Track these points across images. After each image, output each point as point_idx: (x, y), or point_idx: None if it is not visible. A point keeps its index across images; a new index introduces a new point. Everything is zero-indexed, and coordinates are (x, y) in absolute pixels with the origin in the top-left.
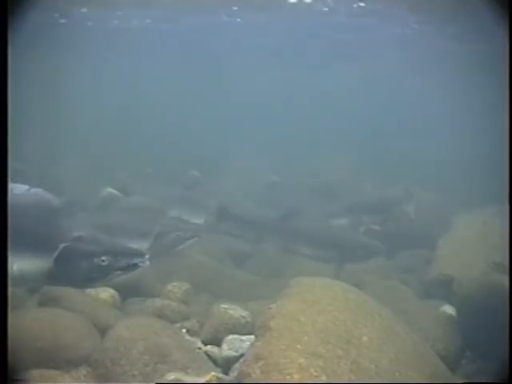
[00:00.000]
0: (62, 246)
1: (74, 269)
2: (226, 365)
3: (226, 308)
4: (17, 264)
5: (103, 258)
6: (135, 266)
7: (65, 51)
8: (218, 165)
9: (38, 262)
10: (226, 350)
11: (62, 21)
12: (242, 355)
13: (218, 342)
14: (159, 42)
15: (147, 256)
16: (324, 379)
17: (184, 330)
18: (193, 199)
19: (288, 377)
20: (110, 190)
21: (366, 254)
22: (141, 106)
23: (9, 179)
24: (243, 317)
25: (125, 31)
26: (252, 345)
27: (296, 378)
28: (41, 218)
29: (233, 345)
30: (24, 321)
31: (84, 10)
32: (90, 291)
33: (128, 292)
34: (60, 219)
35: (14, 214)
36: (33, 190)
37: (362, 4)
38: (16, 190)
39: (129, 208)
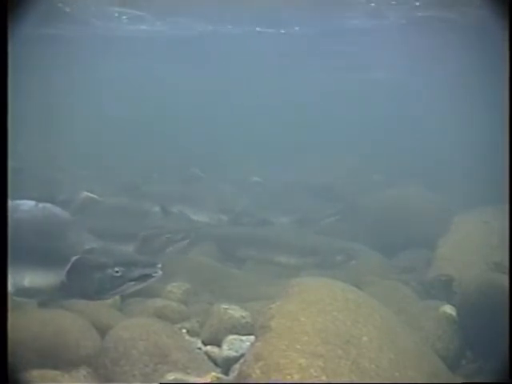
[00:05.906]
0: (74, 258)
1: (86, 281)
2: (226, 365)
3: (226, 308)
4: (28, 278)
5: (116, 269)
6: (148, 276)
7: (66, 49)
8: (217, 164)
9: (51, 276)
10: (226, 350)
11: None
12: (242, 355)
13: (218, 342)
14: (157, 44)
15: (159, 266)
16: (324, 379)
17: (184, 331)
18: (193, 196)
19: (288, 377)
20: (87, 193)
21: (344, 259)
22: (142, 108)
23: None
24: (243, 317)
25: (125, 34)
26: (252, 345)
27: (296, 378)
28: (51, 232)
29: (233, 345)
30: (24, 321)
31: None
32: None
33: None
34: (70, 232)
35: (24, 229)
36: (41, 205)
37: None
38: (24, 206)
39: (110, 211)
